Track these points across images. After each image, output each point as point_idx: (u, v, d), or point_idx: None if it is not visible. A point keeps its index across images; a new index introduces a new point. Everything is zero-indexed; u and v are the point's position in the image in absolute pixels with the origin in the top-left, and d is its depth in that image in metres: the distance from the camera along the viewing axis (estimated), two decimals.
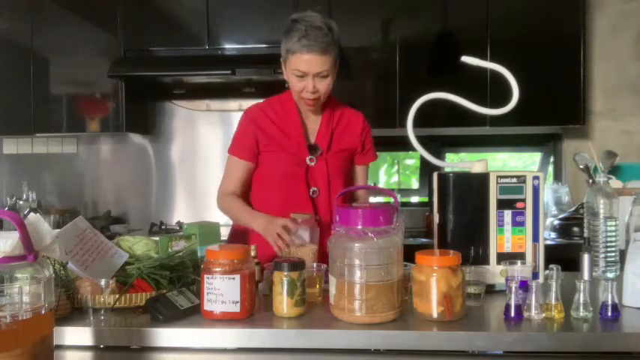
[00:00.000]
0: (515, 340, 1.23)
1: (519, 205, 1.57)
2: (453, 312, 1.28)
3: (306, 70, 1.78)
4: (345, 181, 1.97)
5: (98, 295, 1.35)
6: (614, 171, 2.90)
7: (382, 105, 3.17)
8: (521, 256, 1.55)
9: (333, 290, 1.33)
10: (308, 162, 1.91)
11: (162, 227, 3.42)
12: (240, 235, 1.97)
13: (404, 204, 3.61)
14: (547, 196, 3.27)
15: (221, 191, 1.96)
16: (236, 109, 3.53)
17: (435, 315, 1.28)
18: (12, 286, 1.02)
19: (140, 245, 1.62)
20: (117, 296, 1.35)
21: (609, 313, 1.30)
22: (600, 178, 1.74)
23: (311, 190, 1.91)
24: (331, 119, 1.95)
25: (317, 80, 1.80)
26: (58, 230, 1.37)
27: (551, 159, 3.56)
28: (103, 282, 1.38)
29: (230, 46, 3.29)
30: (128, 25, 3.31)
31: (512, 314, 1.30)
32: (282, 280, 1.32)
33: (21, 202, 3.37)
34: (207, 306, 1.31)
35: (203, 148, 3.62)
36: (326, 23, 1.79)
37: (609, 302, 1.30)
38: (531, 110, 2.70)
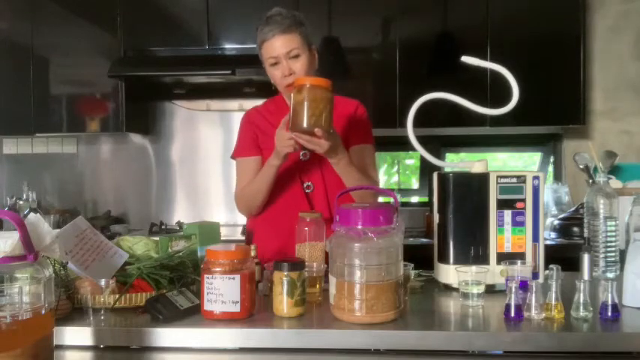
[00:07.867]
0: (515, 340, 1.23)
1: (519, 205, 1.57)
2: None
3: (276, 53, 1.81)
4: None
5: (98, 295, 1.35)
6: (614, 171, 2.89)
7: (382, 105, 3.16)
8: (521, 256, 1.55)
9: (333, 290, 1.33)
10: (301, 157, 1.89)
11: (163, 227, 3.42)
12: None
13: (404, 204, 3.61)
14: (547, 196, 3.27)
15: (238, 191, 1.94)
16: (236, 109, 3.53)
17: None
18: (12, 286, 1.01)
19: (140, 245, 1.61)
20: (117, 296, 1.35)
21: (609, 313, 1.30)
22: (600, 178, 1.74)
23: (304, 185, 1.90)
24: None
25: (290, 62, 1.82)
26: (58, 230, 1.37)
27: (551, 159, 3.56)
28: (103, 282, 1.38)
29: (230, 46, 3.29)
30: (128, 25, 3.31)
31: (512, 314, 1.30)
32: (282, 280, 1.32)
33: (21, 202, 3.37)
34: (207, 306, 1.31)
35: (203, 148, 3.62)
36: (286, 10, 1.84)
37: (609, 302, 1.30)
38: (531, 110, 2.71)
